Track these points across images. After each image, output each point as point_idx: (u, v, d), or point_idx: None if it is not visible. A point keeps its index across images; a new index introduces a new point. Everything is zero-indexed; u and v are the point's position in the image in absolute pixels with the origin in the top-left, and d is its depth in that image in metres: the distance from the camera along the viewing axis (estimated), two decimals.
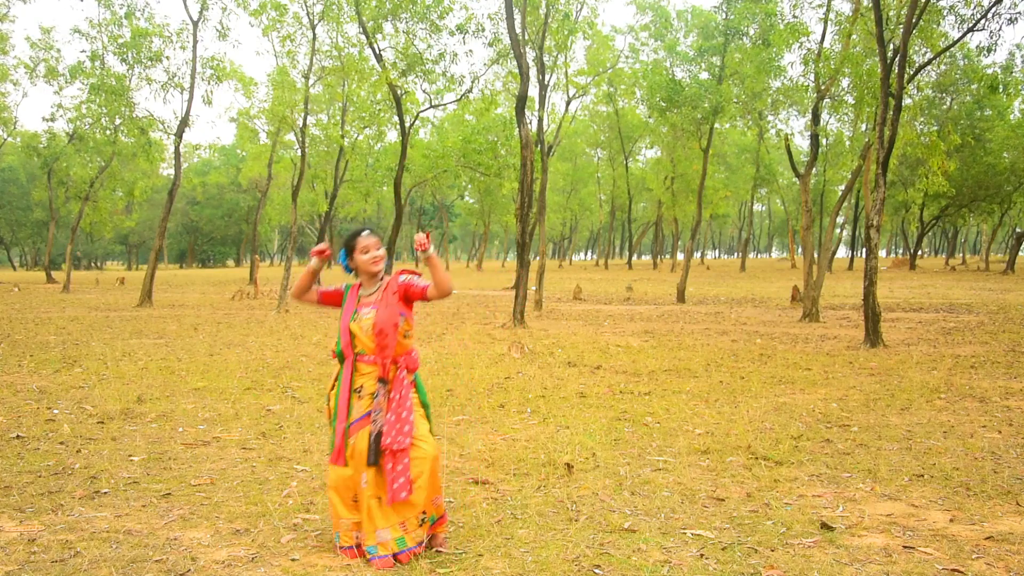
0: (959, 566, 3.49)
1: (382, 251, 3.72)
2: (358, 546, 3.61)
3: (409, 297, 3.69)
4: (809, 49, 17.25)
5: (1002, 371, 9.32)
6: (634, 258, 73.53)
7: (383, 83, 20.50)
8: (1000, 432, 6.13)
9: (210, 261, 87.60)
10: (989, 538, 3.85)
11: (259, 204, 37.99)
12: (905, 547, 3.74)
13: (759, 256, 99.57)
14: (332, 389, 3.73)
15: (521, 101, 15.63)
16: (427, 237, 3.54)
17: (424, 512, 3.62)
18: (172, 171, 27.43)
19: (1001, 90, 18.22)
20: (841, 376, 9.02)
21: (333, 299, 3.82)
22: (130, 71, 21.69)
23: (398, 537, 3.55)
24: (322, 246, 3.77)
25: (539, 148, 20.06)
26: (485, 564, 3.52)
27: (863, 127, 21.45)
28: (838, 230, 41.46)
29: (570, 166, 56.02)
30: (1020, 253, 47.84)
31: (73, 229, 31.43)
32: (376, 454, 3.56)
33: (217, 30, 21.61)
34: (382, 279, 3.74)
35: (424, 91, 22.39)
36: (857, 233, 51.34)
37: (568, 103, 28.56)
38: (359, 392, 3.64)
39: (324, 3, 21.02)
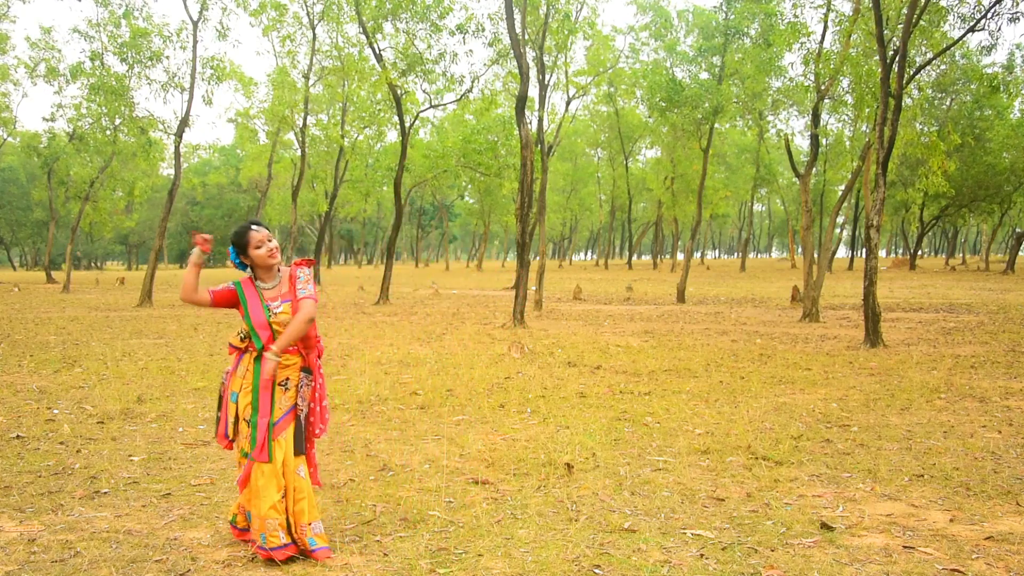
0: (959, 566, 3.49)
1: (275, 242, 3.72)
2: (288, 544, 3.54)
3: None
4: (809, 49, 17.25)
5: (1002, 371, 9.32)
6: (634, 258, 73.54)
7: (383, 83, 20.51)
8: (1000, 432, 6.13)
9: (210, 261, 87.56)
10: (989, 538, 3.85)
11: (259, 204, 37.99)
12: (905, 547, 3.74)
13: (759, 256, 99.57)
14: (243, 378, 3.65)
15: (521, 101, 15.63)
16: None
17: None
18: (172, 171, 27.46)
19: (1003, 90, 18.21)
20: (841, 376, 9.02)
21: (227, 298, 3.72)
22: (130, 71, 21.69)
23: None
24: (206, 235, 3.68)
25: (539, 148, 20.06)
26: (485, 564, 3.52)
27: (863, 127, 21.45)
28: (838, 230, 41.48)
29: (570, 166, 56.02)
30: (1020, 253, 47.86)
31: (73, 229, 31.44)
32: (303, 443, 3.63)
33: (217, 30, 21.63)
34: (279, 271, 3.74)
35: (424, 91, 22.42)
36: (857, 233, 51.35)
37: (568, 103, 28.55)
38: (285, 385, 3.62)
39: (324, 3, 21.06)
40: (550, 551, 3.68)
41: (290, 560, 3.52)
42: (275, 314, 3.62)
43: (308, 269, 3.72)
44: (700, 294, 27.18)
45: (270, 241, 3.68)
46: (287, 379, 3.62)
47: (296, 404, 3.63)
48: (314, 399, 3.69)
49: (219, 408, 3.74)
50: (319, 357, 3.75)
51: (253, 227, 3.69)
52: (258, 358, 3.61)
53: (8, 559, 3.55)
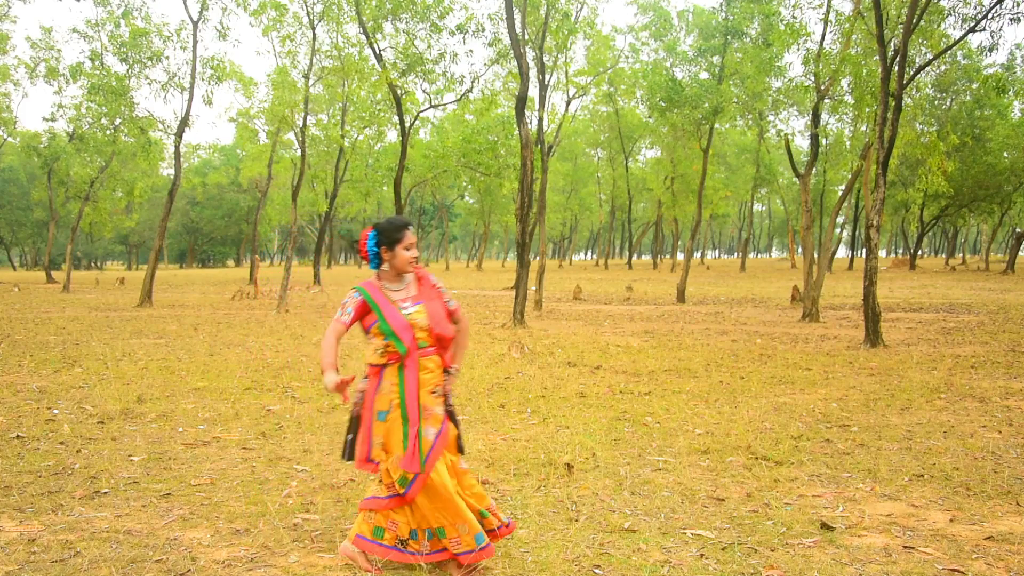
0: (959, 566, 3.49)
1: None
2: (486, 546, 3.38)
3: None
4: (809, 50, 17.25)
5: (1002, 371, 9.31)
6: (634, 258, 73.51)
7: (383, 83, 20.49)
8: (1000, 432, 6.13)
9: (210, 261, 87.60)
10: (989, 538, 3.85)
11: (259, 204, 37.98)
12: (905, 547, 3.74)
13: (759, 256, 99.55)
14: (389, 401, 3.41)
15: (521, 101, 15.63)
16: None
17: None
18: (172, 171, 27.44)
19: (1011, 93, 18.19)
20: (841, 376, 9.02)
21: (361, 313, 3.45)
22: (130, 71, 21.68)
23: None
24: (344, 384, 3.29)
25: (539, 148, 20.06)
26: (485, 564, 3.52)
27: (863, 127, 21.44)
28: (838, 230, 41.44)
29: (570, 166, 56.00)
30: (1020, 253, 47.84)
31: (73, 229, 31.43)
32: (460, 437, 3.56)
33: (217, 30, 21.60)
34: (405, 277, 3.57)
35: (424, 91, 22.39)
36: (857, 233, 51.34)
37: (568, 103, 28.51)
38: (436, 392, 3.48)
39: (324, 3, 21.02)
40: (550, 551, 3.68)
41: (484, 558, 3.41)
42: (412, 314, 3.44)
43: (443, 288, 3.62)
44: (700, 294, 27.18)
45: (416, 250, 3.50)
46: (436, 386, 3.49)
47: (449, 405, 3.53)
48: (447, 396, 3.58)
49: (351, 431, 3.50)
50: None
51: (410, 227, 3.48)
52: (401, 367, 3.41)
53: (8, 559, 3.55)
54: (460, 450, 3.56)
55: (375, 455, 3.44)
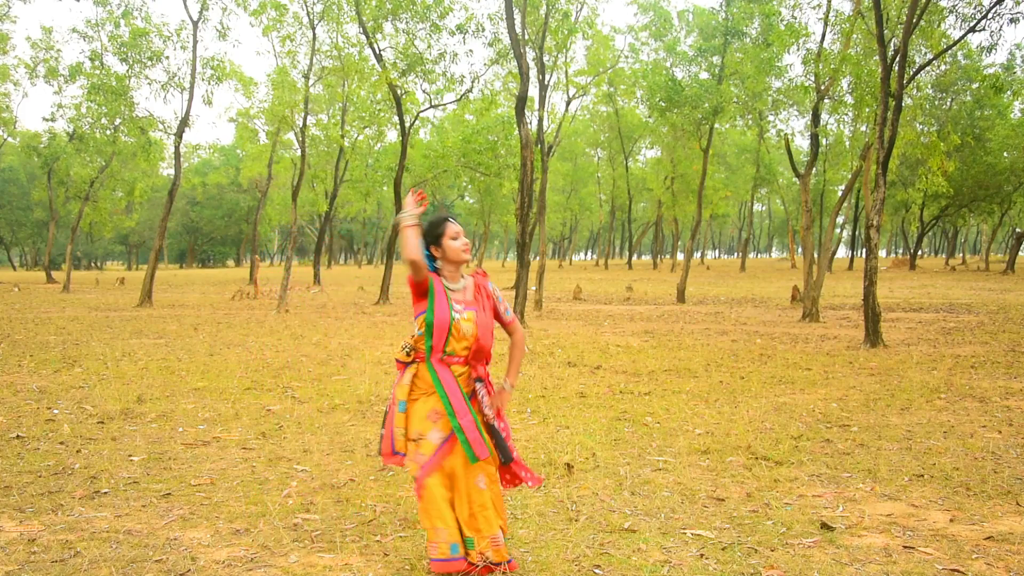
0: (959, 566, 3.49)
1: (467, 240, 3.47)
2: (457, 558, 3.28)
3: (494, 317, 3.51)
4: (809, 50, 17.25)
5: (1002, 371, 9.31)
6: (634, 258, 73.51)
7: (383, 83, 20.50)
8: (1000, 432, 6.13)
9: (210, 261, 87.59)
10: (989, 538, 3.85)
11: (259, 204, 37.98)
12: (905, 547, 3.74)
13: (759, 256, 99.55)
14: (409, 385, 3.36)
15: (521, 101, 15.63)
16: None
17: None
18: (172, 171, 27.45)
19: (1009, 94, 18.19)
20: (841, 376, 9.02)
21: (425, 282, 3.33)
22: (130, 71, 21.68)
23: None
24: (419, 191, 3.33)
25: (539, 148, 20.06)
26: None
27: (863, 127, 21.44)
28: (838, 230, 41.45)
29: (570, 166, 55.99)
30: (1020, 253, 47.84)
31: (73, 229, 31.44)
32: (506, 450, 3.40)
33: (217, 30, 21.62)
34: (463, 276, 3.48)
35: (424, 91, 22.40)
36: (857, 233, 51.33)
37: (568, 103, 28.56)
38: (474, 396, 3.38)
39: (324, 3, 21.03)
40: (550, 551, 3.68)
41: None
42: (459, 320, 3.33)
43: (498, 293, 3.54)
44: (700, 294, 27.18)
45: (464, 236, 3.42)
46: (474, 391, 3.39)
47: (485, 414, 3.38)
48: (494, 399, 3.44)
49: (384, 425, 3.48)
50: (486, 363, 3.49)
51: (450, 218, 3.41)
52: (430, 366, 3.33)
53: (8, 559, 3.55)
54: (505, 459, 3.41)
55: (399, 447, 3.38)
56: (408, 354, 3.39)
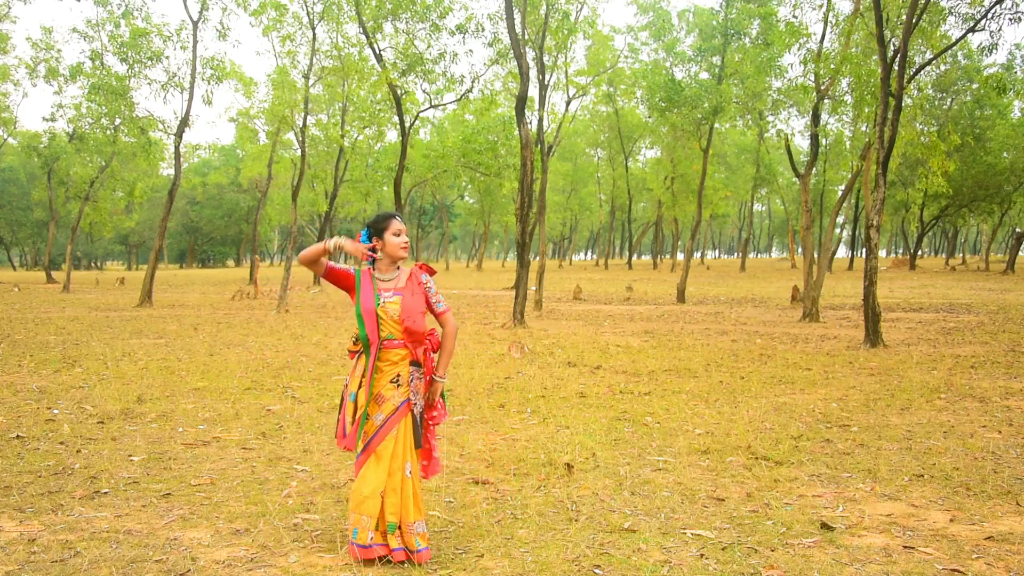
0: (959, 566, 3.49)
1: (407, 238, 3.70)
2: (375, 545, 3.47)
3: (426, 307, 3.67)
4: (809, 49, 17.25)
5: (1002, 371, 9.32)
6: (634, 258, 73.49)
7: (383, 83, 20.50)
8: (1000, 432, 6.13)
9: (210, 261, 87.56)
10: (989, 538, 3.85)
11: (259, 204, 37.96)
12: (905, 547, 3.74)
13: (759, 256, 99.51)
14: (359, 383, 3.57)
15: (521, 101, 15.63)
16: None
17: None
18: (172, 171, 27.42)
19: (1011, 93, 18.17)
20: (841, 376, 9.02)
21: (341, 278, 3.62)
22: (130, 71, 21.68)
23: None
24: (373, 247, 3.61)
25: (539, 148, 20.06)
26: (485, 564, 3.52)
27: (863, 127, 21.44)
28: (838, 230, 41.46)
29: (570, 166, 55.99)
30: (1020, 253, 47.82)
31: (73, 229, 31.43)
32: (420, 437, 3.59)
33: (217, 30, 21.60)
34: (399, 268, 3.69)
35: (424, 91, 22.40)
36: (857, 233, 51.33)
37: (568, 103, 28.52)
38: (396, 381, 3.56)
39: (324, 3, 21.02)
40: (550, 551, 3.68)
41: (371, 562, 3.46)
42: (384, 304, 3.55)
43: (432, 279, 3.69)
44: (700, 294, 27.18)
45: (406, 235, 3.64)
46: (398, 375, 3.56)
47: (409, 399, 3.58)
48: (427, 391, 3.65)
49: (340, 411, 3.72)
50: (434, 351, 3.68)
51: (397, 216, 3.66)
52: (366, 353, 3.57)
53: (8, 559, 3.55)
54: (417, 444, 3.59)
55: (349, 431, 3.62)
56: (356, 343, 3.66)
